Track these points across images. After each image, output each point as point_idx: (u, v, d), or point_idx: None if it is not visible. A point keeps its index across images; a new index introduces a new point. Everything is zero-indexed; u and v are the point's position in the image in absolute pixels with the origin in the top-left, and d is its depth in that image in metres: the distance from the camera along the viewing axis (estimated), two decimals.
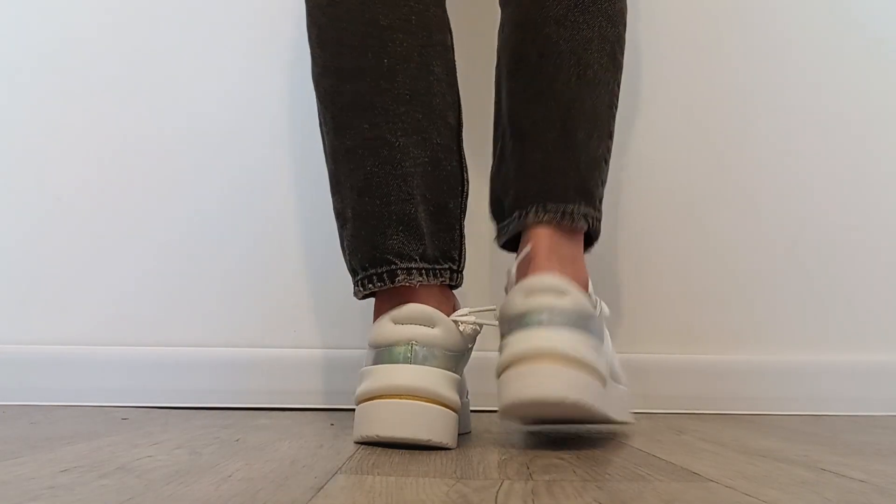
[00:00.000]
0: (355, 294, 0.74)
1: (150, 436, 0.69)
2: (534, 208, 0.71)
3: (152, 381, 1.01)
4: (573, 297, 0.65)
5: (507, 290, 0.72)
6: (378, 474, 0.51)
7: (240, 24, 1.08)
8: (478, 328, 0.72)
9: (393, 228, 0.70)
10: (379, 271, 0.70)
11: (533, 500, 0.43)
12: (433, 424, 0.64)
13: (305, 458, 0.57)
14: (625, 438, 0.73)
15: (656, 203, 1.07)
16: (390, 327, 0.68)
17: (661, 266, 1.06)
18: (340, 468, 0.53)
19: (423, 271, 0.70)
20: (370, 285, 0.71)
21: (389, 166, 0.70)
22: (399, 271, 0.70)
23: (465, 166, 0.76)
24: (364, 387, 0.67)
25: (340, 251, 0.76)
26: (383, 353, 0.68)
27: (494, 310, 0.71)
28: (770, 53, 1.09)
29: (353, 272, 0.73)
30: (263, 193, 1.06)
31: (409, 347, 0.67)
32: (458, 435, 0.75)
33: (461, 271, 0.74)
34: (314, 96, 0.75)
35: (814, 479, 0.51)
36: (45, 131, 1.07)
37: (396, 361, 0.66)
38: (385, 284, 0.70)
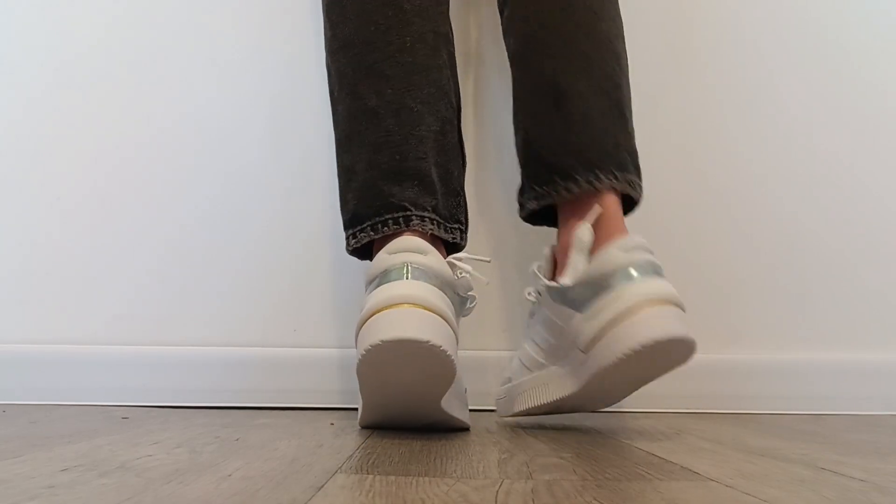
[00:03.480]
0: (358, 241, 0.76)
1: (149, 435, 0.69)
2: (604, 174, 0.77)
3: (152, 381, 1.01)
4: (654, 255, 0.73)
5: (554, 262, 0.79)
6: (378, 474, 0.51)
7: (241, 24, 1.08)
8: (471, 281, 0.74)
9: (409, 182, 0.75)
10: (395, 216, 0.74)
11: (533, 500, 0.43)
12: (433, 328, 0.64)
13: (305, 458, 0.57)
14: (625, 438, 0.73)
15: (654, 203, 1.06)
16: (384, 257, 0.71)
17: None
18: (340, 467, 0.53)
19: (436, 222, 0.75)
20: (384, 229, 0.74)
21: (409, 127, 0.76)
22: (414, 217, 0.74)
23: (463, 143, 0.83)
24: (362, 313, 0.67)
25: (340, 211, 0.80)
26: (379, 279, 0.69)
27: (489, 261, 0.77)
28: (768, 55, 1.10)
29: (359, 220, 0.76)
30: (263, 193, 1.06)
31: (404, 268, 0.69)
32: (455, 430, 0.75)
33: (466, 232, 0.80)
34: (325, 66, 0.82)
35: (813, 478, 0.51)
36: (45, 131, 1.07)
37: (391, 281, 0.68)
38: (400, 227, 0.73)
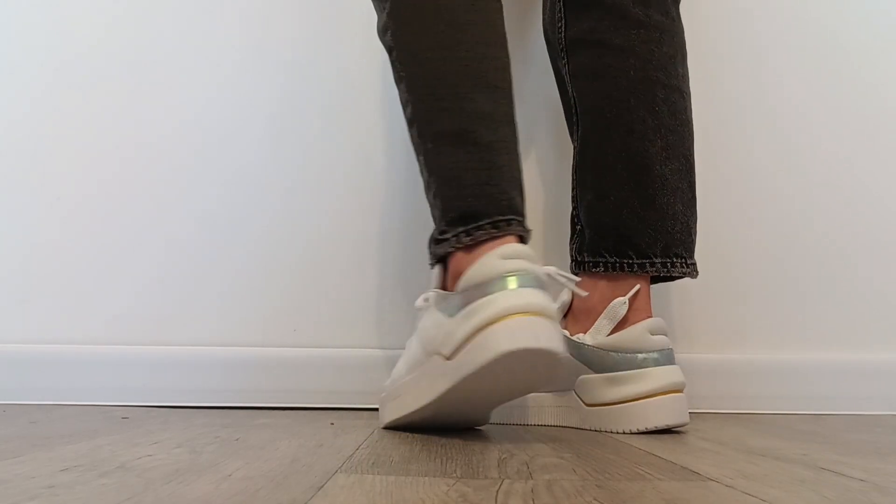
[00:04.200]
0: (473, 239, 0.72)
1: (150, 435, 0.69)
2: (678, 260, 0.84)
3: (152, 381, 1.01)
4: None
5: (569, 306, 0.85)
6: (378, 474, 0.51)
7: (241, 26, 1.08)
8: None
9: (516, 191, 0.75)
10: (519, 219, 0.74)
11: (533, 500, 0.43)
12: (561, 342, 0.66)
13: (305, 458, 0.57)
14: (625, 438, 0.73)
15: None
16: (500, 262, 0.69)
17: None
18: (340, 467, 0.53)
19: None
20: (508, 227, 0.72)
21: (515, 141, 0.76)
22: (524, 228, 0.74)
23: None
24: (488, 312, 0.65)
25: (430, 211, 0.76)
26: (496, 283, 0.67)
27: (579, 280, 0.77)
28: (768, 55, 1.10)
29: (475, 217, 0.72)
30: (264, 193, 1.06)
31: (529, 275, 0.68)
32: (456, 430, 0.75)
33: None
34: (399, 61, 0.78)
35: (813, 478, 0.51)
36: (45, 131, 1.07)
37: (517, 287, 0.67)
38: (521, 231, 0.73)
